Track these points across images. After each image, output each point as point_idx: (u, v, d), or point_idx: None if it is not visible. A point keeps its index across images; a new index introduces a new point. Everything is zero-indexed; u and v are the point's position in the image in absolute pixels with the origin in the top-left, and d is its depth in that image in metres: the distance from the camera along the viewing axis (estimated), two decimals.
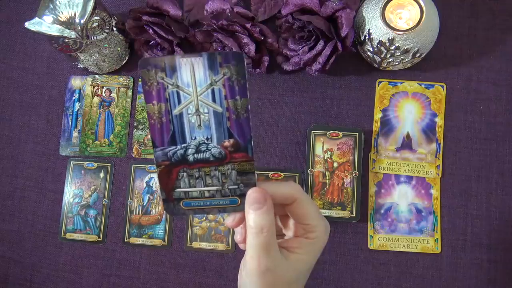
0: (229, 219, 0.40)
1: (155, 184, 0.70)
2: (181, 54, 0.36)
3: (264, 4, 0.68)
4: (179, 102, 0.37)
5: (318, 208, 0.41)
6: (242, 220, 0.39)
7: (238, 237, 0.41)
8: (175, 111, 0.37)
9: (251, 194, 0.37)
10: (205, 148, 0.38)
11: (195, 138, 0.38)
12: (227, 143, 0.38)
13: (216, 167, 0.38)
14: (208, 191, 0.39)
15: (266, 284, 0.37)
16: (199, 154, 0.38)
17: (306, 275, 0.41)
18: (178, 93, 0.37)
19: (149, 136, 0.70)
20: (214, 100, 0.37)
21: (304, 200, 0.39)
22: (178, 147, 0.38)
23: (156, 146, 0.38)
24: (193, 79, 0.36)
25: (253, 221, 0.37)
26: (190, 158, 0.38)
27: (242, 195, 0.38)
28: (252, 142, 0.38)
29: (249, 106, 0.37)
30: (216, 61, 0.36)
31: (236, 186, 0.38)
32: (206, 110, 0.37)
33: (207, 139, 0.38)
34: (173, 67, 0.36)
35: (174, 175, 0.38)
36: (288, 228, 0.42)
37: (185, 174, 0.38)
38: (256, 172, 0.38)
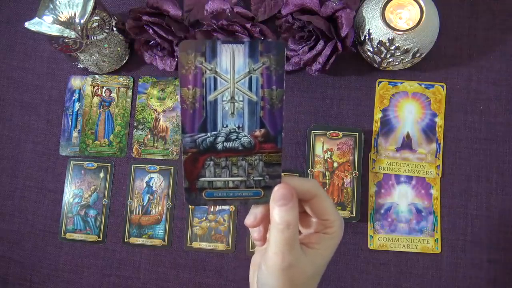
0: (250, 219, 0.40)
1: (155, 184, 0.70)
2: (223, 39, 0.36)
3: (264, 4, 0.68)
4: (215, 88, 0.36)
5: (334, 204, 0.41)
6: (262, 220, 0.39)
7: (255, 235, 0.41)
8: (210, 97, 0.36)
9: (278, 190, 0.37)
10: (235, 137, 0.37)
11: (227, 126, 0.37)
12: (257, 132, 0.37)
13: (244, 157, 0.38)
14: (233, 181, 0.38)
15: (287, 279, 0.37)
16: (229, 142, 0.37)
17: (323, 270, 0.42)
18: (215, 79, 0.36)
19: (149, 137, 0.70)
20: (250, 88, 0.37)
21: (323, 196, 0.39)
22: (208, 134, 0.37)
23: (186, 132, 0.37)
24: (232, 66, 0.36)
25: (279, 217, 0.37)
26: (219, 146, 0.37)
27: (266, 187, 0.38)
28: (283, 134, 0.37)
29: (284, 97, 0.37)
30: (257, 49, 0.36)
31: (261, 178, 0.38)
32: (241, 98, 0.37)
33: (238, 127, 0.37)
34: (214, 52, 0.36)
35: (200, 164, 0.38)
36: (305, 224, 0.43)
37: (211, 163, 0.38)
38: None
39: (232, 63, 0.36)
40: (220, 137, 0.37)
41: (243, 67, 0.36)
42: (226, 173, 0.38)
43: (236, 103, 0.37)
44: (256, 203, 0.39)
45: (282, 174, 0.39)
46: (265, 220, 0.40)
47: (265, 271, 0.38)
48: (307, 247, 0.40)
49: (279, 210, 0.37)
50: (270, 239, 0.38)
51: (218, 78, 0.36)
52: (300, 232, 0.43)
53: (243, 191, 0.38)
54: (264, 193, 0.38)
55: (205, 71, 0.36)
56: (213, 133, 0.37)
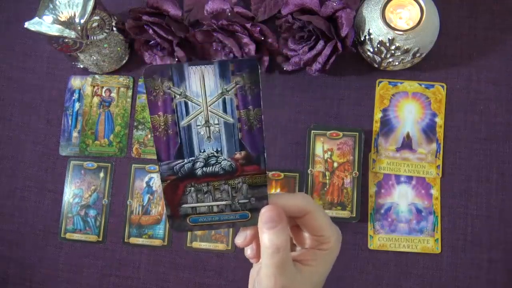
0: (240, 239, 0.38)
1: (155, 184, 0.70)
2: (190, 61, 0.34)
3: (264, 4, 0.68)
4: (187, 113, 0.35)
5: (329, 217, 0.39)
6: (252, 239, 0.38)
7: (248, 252, 0.40)
8: (183, 123, 0.35)
9: (265, 212, 0.36)
10: (214, 161, 0.36)
11: (204, 151, 0.36)
12: (238, 155, 0.36)
13: (226, 180, 0.36)
14: (217, 206, 0.37)
15: None
16: (208, 167, 0.36)
17: (321, 286, 0.40)
18: (186, 104, 0.34)
19: (149, 137, 0.70)
20: (225, 110, 0.35)
21: (316, 212, 0.38)
22: (186, 160, 0.36)
23: (162, 160, 0.35)
24: (203, 89, 0.34)
25: (268, 240, 0.35)
26: (198, 172, 0.36)
27: (253, 209, 0.37)
28: (265, 154, 0.36)
29: (262, 117, 0.35)
30: (228, 69, 0.34)
31: (247, 200, 0.37)
32: (216, 121, 0.35)
33: (217, 151, 0.36)
34: (182, 76, 0.34)
35: (180, 190, 0.36)
36: (299, 239, 0.41)
37: (192, 189, 0.36)
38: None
39: (203, 86, 0.34)
40: (198, 163, 0.36)
41: (214, 89, 0.34)
42: (209, 198, 0.37)
43: (211, 127, 0.35)
44: (244, 225, 0.38)
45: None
46: (256, 238, 0.38)
47: None
48: (302, 264, 0.38)
49: (268, 234, 0.35)
50: (262, 261, 0.36)
51: (189, 102, 0.35)
52: (294, 246, 0.42)
53: (229, 214, 0.37)
54: (252, 215, 0.37)
55: (175, 96, 0.34)
56: (190, 159, 0.36)
